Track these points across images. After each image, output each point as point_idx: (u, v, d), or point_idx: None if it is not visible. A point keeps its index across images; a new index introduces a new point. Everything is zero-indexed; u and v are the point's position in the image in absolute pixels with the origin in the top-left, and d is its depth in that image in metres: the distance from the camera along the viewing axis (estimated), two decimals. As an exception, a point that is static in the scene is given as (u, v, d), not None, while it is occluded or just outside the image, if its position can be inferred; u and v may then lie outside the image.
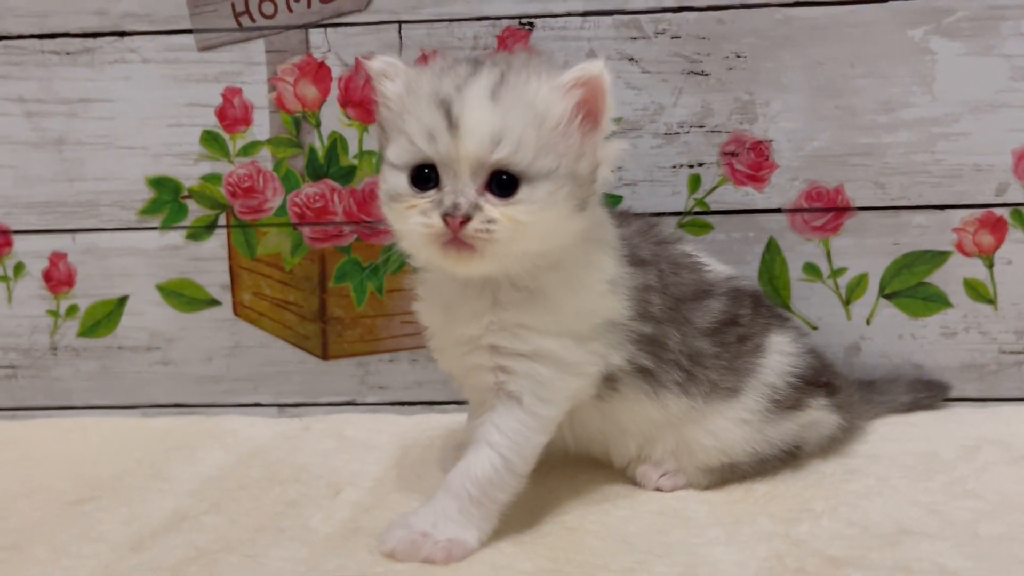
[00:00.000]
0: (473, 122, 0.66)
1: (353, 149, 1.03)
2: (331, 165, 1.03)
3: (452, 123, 0.66)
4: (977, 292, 0.99)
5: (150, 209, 1.05)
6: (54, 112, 1.04)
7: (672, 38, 0.97)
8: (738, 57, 0.97)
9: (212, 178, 1.04)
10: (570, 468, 0.82)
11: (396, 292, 1.05)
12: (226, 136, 1.03)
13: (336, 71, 1.01)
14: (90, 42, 1.02)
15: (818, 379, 0.82)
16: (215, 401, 1.08)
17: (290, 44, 1.01)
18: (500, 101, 0.66)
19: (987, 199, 0.97)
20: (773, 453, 0.80)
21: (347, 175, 1.03)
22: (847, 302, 1.00)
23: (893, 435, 0.89)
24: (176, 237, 1.05)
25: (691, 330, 0.78)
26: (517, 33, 0.99)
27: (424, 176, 0.68)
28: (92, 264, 1.06)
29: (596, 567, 0.65)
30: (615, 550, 0.68)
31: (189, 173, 1.04)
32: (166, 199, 1.05)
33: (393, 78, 0.72)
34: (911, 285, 1.00)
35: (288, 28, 1.01)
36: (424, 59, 0.99)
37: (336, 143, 1.03)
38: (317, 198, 1.04)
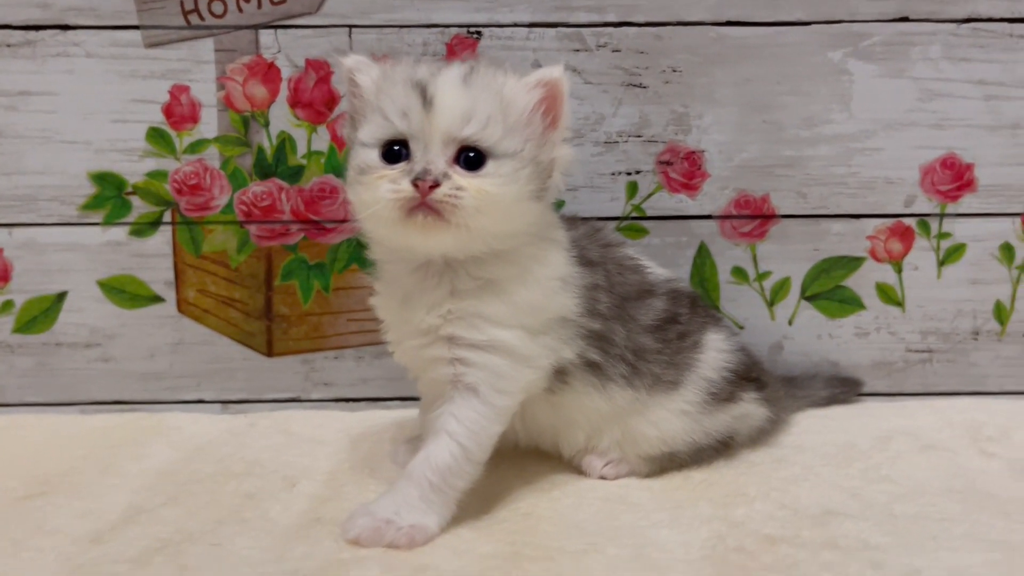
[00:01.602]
0: (446, 99, 0.71)
1: (302, 149, 1.04)
2: (279, 164, 1.04)
3: (427, 101, 0.71)
4: (887, 295, 1.07)
5: (92, 204, 1.04)
6: (-8, 104, 1.02)
7: (613, 51, 1.03)
8: (674, 71, 1.03)
9: (157, 175, 1.04)
10: (520, 459, 0.85)
11: (342, 290, 1.07)
12: (173, 133, 1.04)
13: (286, 72, 1.03)
14: (32, 34, 1.01)
15: (749, 374, 0.88)
16: (157, 398, 1.08)
17: (240, 44, 1.03)
18: (471, 86, 0.73)
19: (897, 210, 1.06)
20: (709, 443, 0.86)
21: (295, 174, 1.04)
22: (771, 304, 1.07)
23: (814, 427, 0.96)
24: (119, 233, 1.05)
25: (635, 327, 0.83)
26: (465, 41, 1.02)
27: (394, 152, 0.73)
28: (29, 259, 1.05)
29: (552, 550, 0.69)
30: (568, 534, 0.72)
31: (133, 169, 1.04)
32: (109, 195, 1.04)
33: (366, 71, 0.77)
34: (829, 288, 1.07)
35: (238, 28, 1.02)
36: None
37: (285, 142, 1.04)
38: (264, 196, 1.05)
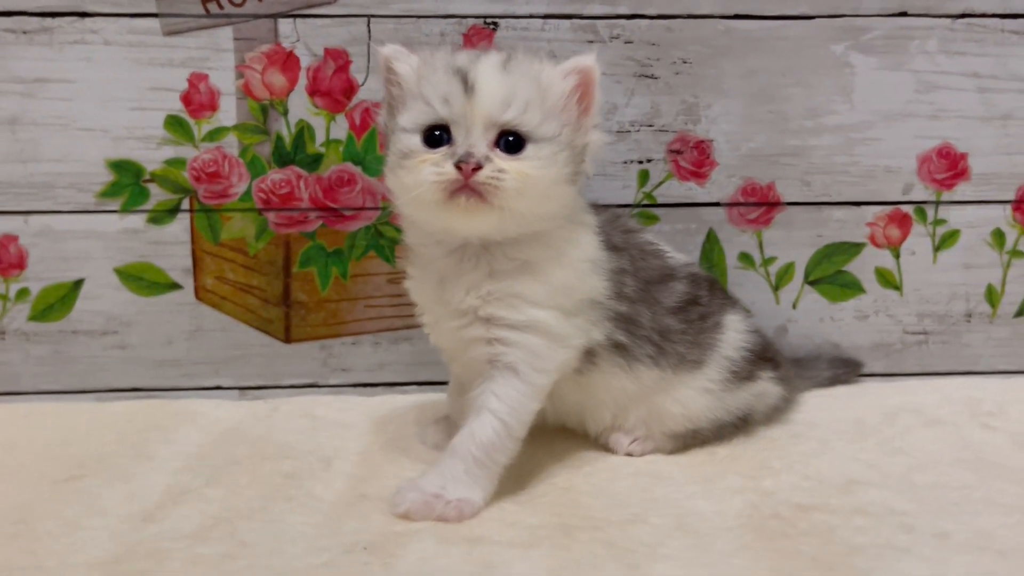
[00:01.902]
0: (487, 85, 0.74)
1: (320, 137, 1.06)
2: (298, 152, 1.06)
3: (468, 87, 0.74)
4: (886, 279, 1.12)
5: (109, 192, 1.05)
6: (8, 91, 1.02)
7: (625, 43, 1.06)
8: (684, 63, 1.06)
9: (176, 162, 1.05)
10: (547, 436, 0.88)
11: (360, 277, 1.08)
12: (191, 121, 1.04)
13: (305, 61, 1.04)
14: (48, 21, 1.01)
15: (765, 354, 0.92)
16: (174, 385, 1.08)
17: (259, 33, 1.04)
18: (510, 72, 0.76)
19: (895, 197, 1.10)
20: (730, 420, 0.89)
21: (314, 162, 1.06)
22: (776, 288, 1.11)
23: (822, 406, 1.00)
24: (136, 221, 1.06)
25: (660, 309, 0.86)
26: (482, 32, 1.04)
27: (436, 136, 0.75)
28: (46, 247, 1.05)
29: (598, 520, 0.72)
30: (609, 506, 0.75)
31: (152, 157, 1.05)
32: (127, 182, 1.05)
33: (403, 60, 0.79)
34: (831, 273, 1.11)
35: (257, 17, 1.03)
36: (392, 53, 1.04)
37: (303, 131, 1.05)
38: (283, 184, 1.06)
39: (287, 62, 1.04)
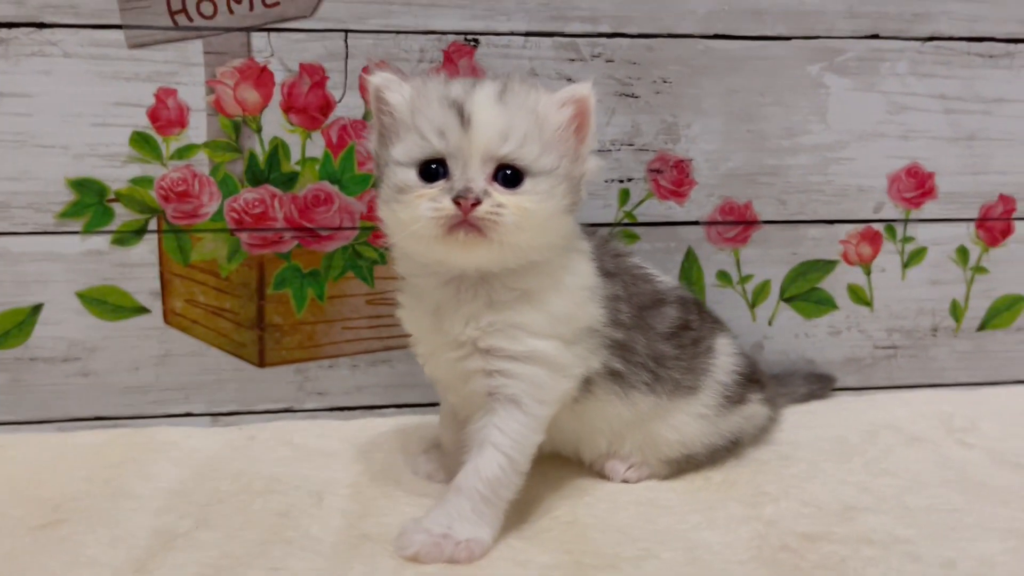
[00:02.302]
0: (484, 118, 0.72)
1: (295, 155, 1.02)
2: (272, 171, 1.02)
3: (464, 119, 0.72)
4: (858, 296, 1.14)
5: (70, 212, 1.00)
6: (-41, 106, 0.96)
7: (606, 61, 1.05)
8: (664, 82, 1.06)
9: (142, 181, 1.00)
10: (542, 465, 0.86)
11: (337, 298, 1.06)
12: (158, 138, 1.00)
13: (279, 76, 1.01)
14: (4, 32, 0.95)
15: (753, 376, 0.93)
16: (141, 412, 1.04)
17: (230, 47, 1.00)
18: (507, 104, 0.73)
19: (867, 215, 1.12)
20: (723, 444, 0.90)
21: (288, 181, 1.02)
22: (752, 305, 1.13)
23: (802, 423, 1.01)
24: (100, 242, 1.01)
25: (654, 335, 0.86)
26: (462, 49, 1.02)
27: (432, 170, 0.73)
28: (2, 270, 0.99)
29: (611, 557, 0.71)
30: (618, 540, 0.74)
31: (116, 175, 1.00)
32: (89, 202, 1.00)
33: (397, 90, 0.76)
34: (805, 290, 1.13)
35: (228, 30, 0.99)
36: (367, 71, 1.01)
37: (278, 148, 1.02)
38: (257, 203, 1.02)
39: (260, 77, 1.00)
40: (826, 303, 1.14)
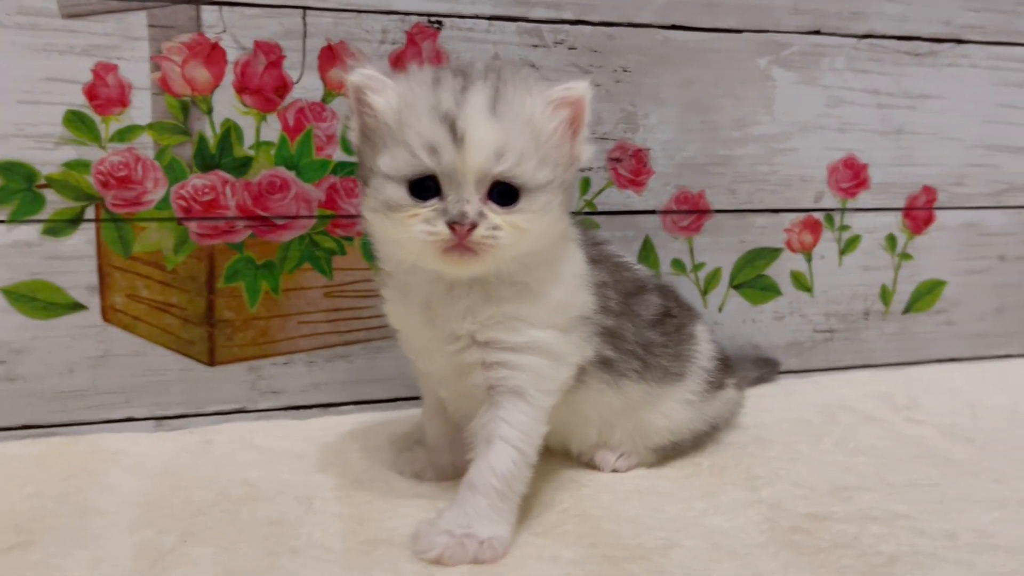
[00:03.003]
0: (478, 136, 0.67)
1: (249, 139, 0.96)
2: (224, 155, 0.95)
3: (457, 137, 0.67)
4: (799, 282, 1.18)
5: (-6, 199, 0.90)
6: None
7: (569, 48, 1.04)
8: (624, 71, 1.06)
9: (77, 165, 0.91)
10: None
11: (293, 291, 1.00)
12: (97, 118, 0.91)
13: (232, 54, 0.94)
14: (-87, -5, 0.85)
15: (727, 361, 0.95)
16: (76, 419, 0.95)
17: (178, 20, 0.92)
18: (501, 116, 0.69)
19: (808, 205, 1.17)
20: (705, 429, 0.91)
21: (242, 166, 0.96)
22: (704, 292, 1.15)
23: (759, 407, 1.04)
24: (29, 232, 0.91)
25: (640, 322, 0.86)
26: (425, 31, 0.99)
27: (424, 187, 0.69)
28: (-88, 264, 0.88)
29: (634, 547, 0.70)
30: (634, 531, 0.73)
31: (47, 158, 0.91)
32: (16, 187, 0.90)
33: (380, 91, 0.71)
34: (752, 277, 1.16)
35: (176, 2, 0.92)
36: (331, 49, 0.96)
37: (230, 131, 0.95)
38: (206, 190, 0.95)
39: (211, 55, 0.93)
40: (771, 289, 1.17)
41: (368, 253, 1.01)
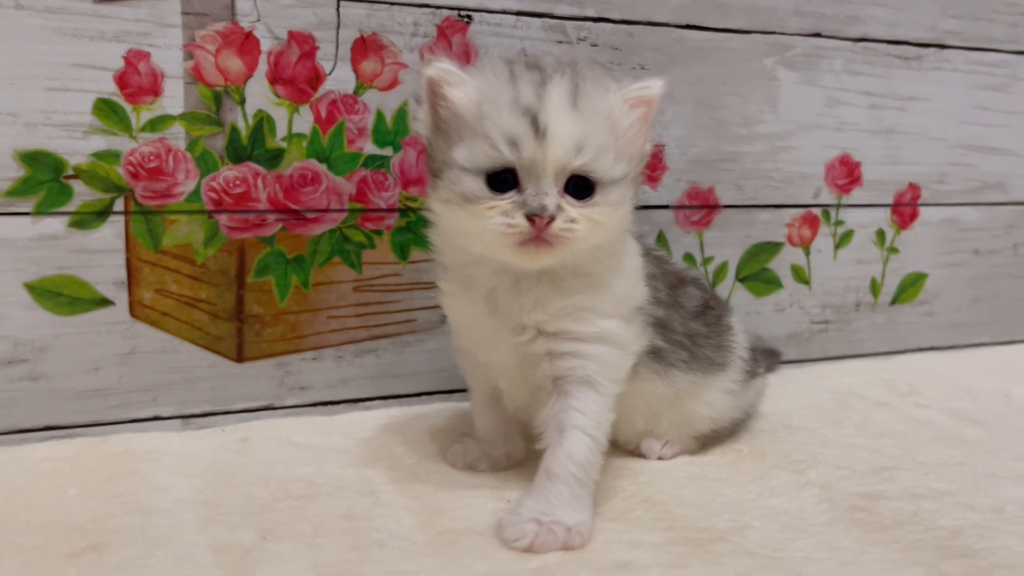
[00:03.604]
0: (560, 130, 0.68)
1: (282, 130, 0.94)
2: (255, 147, 0.94)
3: (539, 131, 0.68)
4: (799, 275, 1.23)
5: (19, 190, 0.86)
6: None
7: (591, 45, 1.06)
8: (642, 68, 1.09)
9: (107, 155, 0.88)
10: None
11: (322, 285, 0.99)
12: (128, 107, 0.88)
13: (266, 44, 0.92)
14: (-62, -26, 0.80)
15: (755, 352, 0.98)
16: (100, 419, 0.92)
17: (212, 8, 0.90)
18: (581, 111, 0.70)
19: (807, 200, 1.21)
20: (741, 417, 0.94)
21: (273, 158, 0.94)
22: (713, 286, 1.18)
23: (771, 396, 1.06)
24: (55, 225, 0.88)
25: (685, 313, 0.88)
26: (456, 24, 0.99)
27: (502, 179, 0.70)
28: (-69, 258, 0.84)
29: (710, 530, 0.72)
30: (703, 514, 0.75)
31: (76, 148, 0.87)
32: (43, 178, 0.86)
33: (457, 85, 0.72)
34: (756, 271, 1.20)
35: (209, -11, 0.89)
36: (363, 41, 0.95)
37: (262, 123, 0.94)
38: (238, 183, 0.93)
39: (245, 44, 0.91)
40: (773, 282, 1.22)
41: (397, 247, 1.00)
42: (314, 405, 1.00)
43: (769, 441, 0.93)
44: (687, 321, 0.87)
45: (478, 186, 0.70)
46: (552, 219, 0.68)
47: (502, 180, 0.70)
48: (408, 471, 0.84)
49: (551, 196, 0.69)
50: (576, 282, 0.75)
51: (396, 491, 0.79)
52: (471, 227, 0.71)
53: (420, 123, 0.76)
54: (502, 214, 0.69)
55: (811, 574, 0.65)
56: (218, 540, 0.69)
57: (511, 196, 0.70)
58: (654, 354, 0.84)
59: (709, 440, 0.92)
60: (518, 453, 0.87)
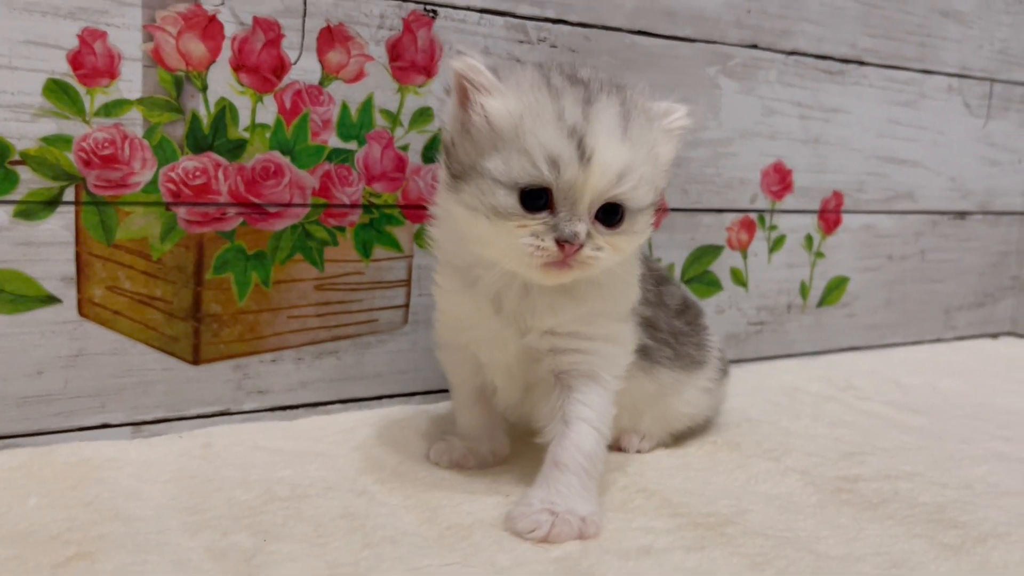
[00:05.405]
0: (606, 156, 0.67)
1: (245, 120, 0.90)
2: (217, 136, 0.89)
3: (584, 154, 0.66)
4: (737, 278, 1.27)
5: (-41, 175, 0.78)
6: None
7: (551, 47, 1.06)
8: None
9: (57, 140, 0.82)
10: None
11: (283, 283, 0.95)
12: (81, 89, 0.82)
13: (230, 29, 0.88)
14: None
15: (723, 352, 1.00)
16: (43, 428, 0.85)
17: (174, -12, 0.85)
18: (630, 139, 0.68)
19: (745, 205, 1.26)
20: (712, 414, 0.96)
21: (235, 149, 0.90)
22: (661, 287, 1.20)
23: (722, 393, 1.10)
24: (-1, 214, 0.80)
25: (669, 312, 0.89)
26: (422, 19, 0.98)
27: (535, 196, 0.68)
28: None
29: (714, 515, 0.73)
30: (700, 501, 0.76)
31: (24, 132, 0.81)
32: (-15, 163, 0.79)
33: (495, 94, 0.69)
34: (700, 273, 1.24)
35: (172, -32, 0.85)
36: (329, 31, 0.93)
37: (225, 111, 0.89)
38: (198, 174, 0.89)
39: (208, 28, 0.87)
40: (714, 285, 1.25)
41: (360, 245, 0.97)
42: (272, 410, 0.95)
43: (738, 433, 0.95)
44: (671, 319, 0.88)
45: (511, 202, 0.67)
46: (581, 247, 0.67)
47: (535, 197, 0.67)
48: (392, 471, 0.81)
49: (583, 224, 0.67)
50: (590, 291, 0.75)
51: (388, 490, 0.77)
52: (495, 240, 0.69)
53: (450, 117, 0.73)
54: (532, 235, 0.67)
55: (824, 550, 0.67)
56: (213, 544, 0.65)
57: (543, 217, 0.68)
58: (641, 351, 0.84)
59: (683, 435, 0.93)
60: (503, 450, 0.85)
